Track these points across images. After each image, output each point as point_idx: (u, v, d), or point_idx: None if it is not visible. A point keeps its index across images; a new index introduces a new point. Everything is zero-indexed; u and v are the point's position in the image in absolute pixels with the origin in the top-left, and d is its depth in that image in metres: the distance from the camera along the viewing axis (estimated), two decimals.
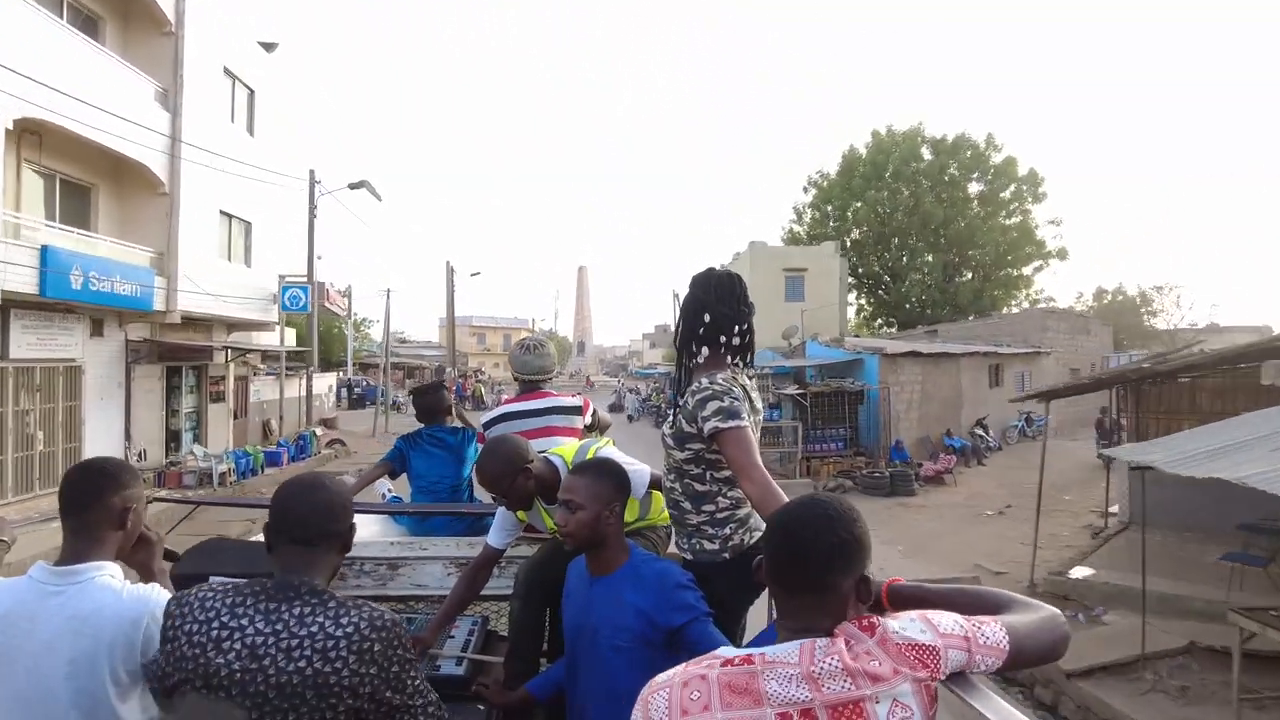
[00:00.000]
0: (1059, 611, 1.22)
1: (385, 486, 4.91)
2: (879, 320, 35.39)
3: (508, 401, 3.37)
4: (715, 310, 2.10)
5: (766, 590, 1.26)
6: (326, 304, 29.72)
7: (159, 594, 1.53)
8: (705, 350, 2.11)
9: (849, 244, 32.76)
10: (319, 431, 19.86)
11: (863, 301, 35.85)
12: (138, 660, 1.46)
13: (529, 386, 3.34)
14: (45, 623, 1.42)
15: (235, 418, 18.54)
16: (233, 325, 18.10)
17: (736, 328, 2.11)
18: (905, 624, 1.12)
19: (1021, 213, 32.49)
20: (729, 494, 2.07)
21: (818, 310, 28.82)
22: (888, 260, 33.02)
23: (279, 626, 1.35)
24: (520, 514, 2.47)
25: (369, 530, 3.55)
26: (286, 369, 22.21)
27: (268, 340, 20.51)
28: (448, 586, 2.78)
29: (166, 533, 1.85)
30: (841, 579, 1.15)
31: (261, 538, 1.51)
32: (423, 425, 4.20)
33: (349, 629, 1.35)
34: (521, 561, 2.65)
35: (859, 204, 33.11)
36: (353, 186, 20.78)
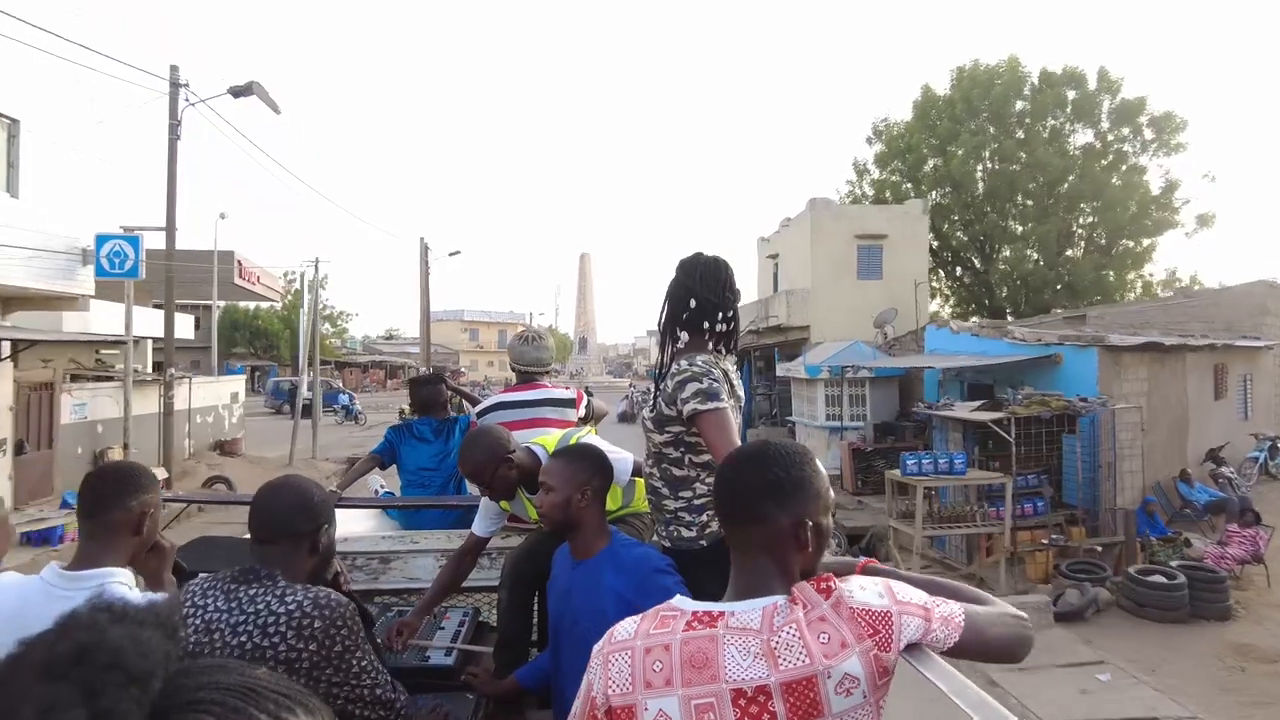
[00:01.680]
0: (1025, 616, 1.23)
1: (378, 482, 4.67)
2: (963, 308, 28.07)
3: (502, 392, 3.38)
4: (700, 296, 2.11)
5: None
6: (242, 281, 22.40)
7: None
8: (688, 335, 2.12)
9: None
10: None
11: (936, 284, 28.49)
12: None
13: (525, 378, 3.36)
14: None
15: (19, 453, 11.30)
16: (9, 298, 10.91)
17: (720, 314, 2.12)
18: (864, 585, 1.13)
19: (1150, 168, 25.16)
20: (707, 480, 2.06)
21: (901, 289, 21.56)
22: (978, 229, 25.68)
23: (233, 604, 1.45)
24: (503, 503, 2.50)
25: (361, 525, 3.51)
26: (174, 372, 14.95)
27: (102, 325, 13.31)
28: None
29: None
30: (775, 513, 1.15)
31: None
32: (414, 417, 4.15)
33: (291, 606, 1.43)
34: (509, 552, 2.66)
35: (940, 159, 25.76)
36: (235, 92, 13.45)
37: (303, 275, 21.26)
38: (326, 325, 61.11)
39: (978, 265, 26.91)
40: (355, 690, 1.49)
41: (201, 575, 1.59)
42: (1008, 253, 26.08)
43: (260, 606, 1.44)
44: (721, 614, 1.10)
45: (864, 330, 21.20)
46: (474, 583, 2.73)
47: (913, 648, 1.09)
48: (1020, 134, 25.19)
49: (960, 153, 24.96)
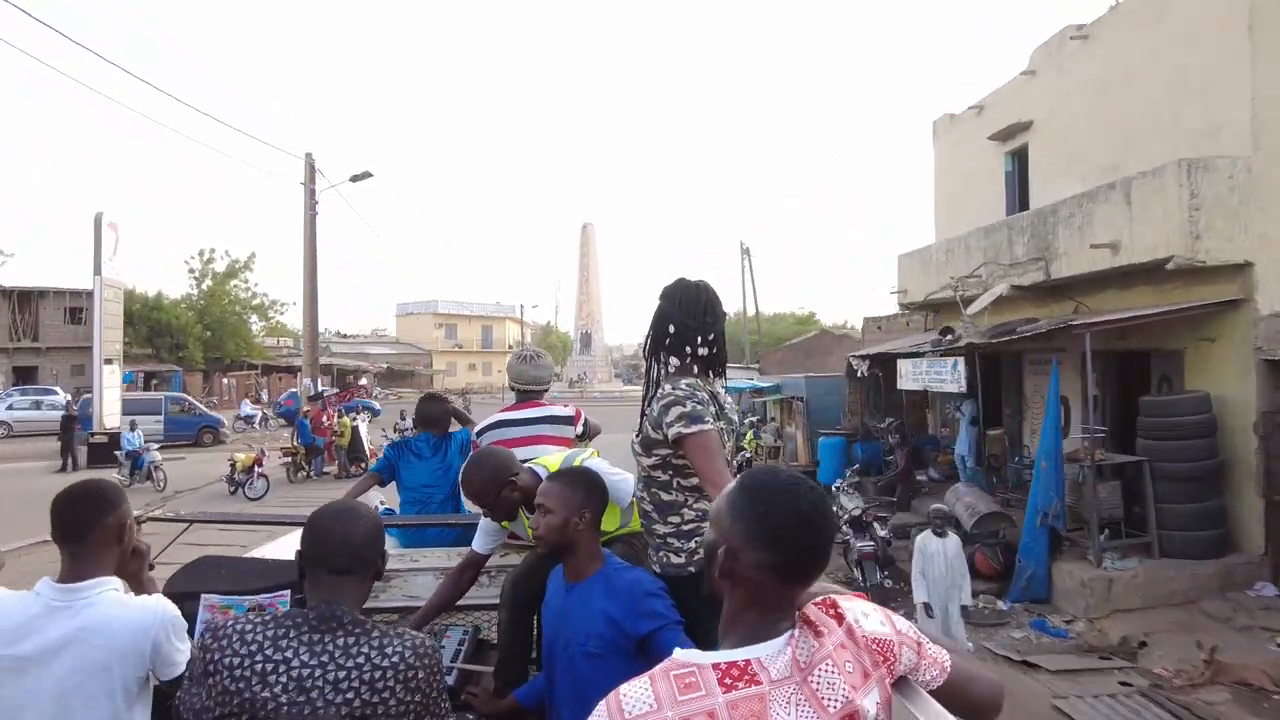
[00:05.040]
0: (1004, 685, 1.23)
1: (378, 498, 4.58)
2: None
3: (502, 410, 3.36)
4: (679, 322, 2.15)
5: None
6: None
7: (163, 604, 1.64)
8: (673, 360, 2.16)
9: None
10: None
11: None
12: (146, 668, 1.58)
13: (524, 396, 3.36)
14: (56, 636, 1.51)
15: None
16: None
17: (700, 338, 2.15)
18: (868, 612, 1.12)
19: None
20: (695, 505, 2.08)
21: None
22: None
23: (324, 658, 1.37)
24: (503, 522, 2.53)
25: None
26: None
27: None
28: None
29: (159, 554, 2.00)
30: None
31: (253, 553, 1.75)
32: (416, 433, 4.15)
33: (395, 659, 1.40)
34: (509, 572, 2.69)
35: None
36: None
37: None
38: (254, 317, 47.52)
39: None
40: None
41: (245, 615, 1.56)
42: None
43: (361, 660, 1.38)
44: (749, 663, 1.02)
45: None
46: (474, 600, 2.75)
47: (901, 683, 1.09)
48: None
49: None
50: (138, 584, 1.74)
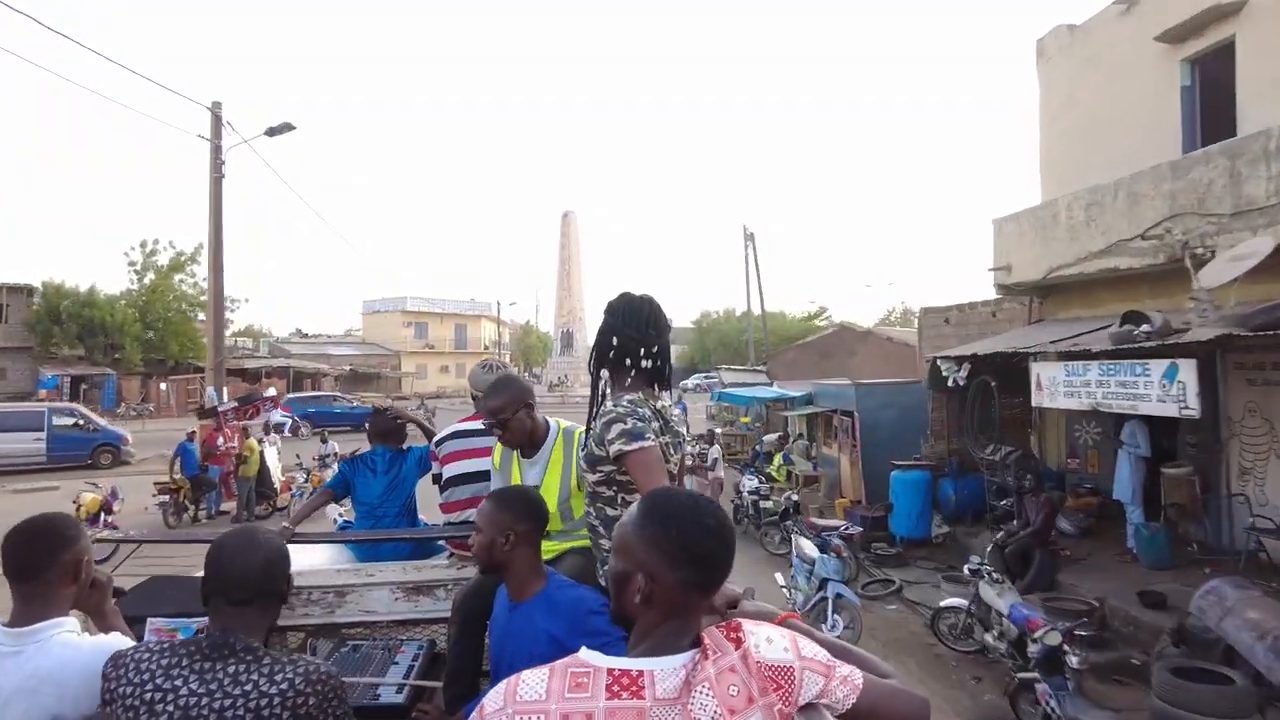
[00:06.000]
0: (927, 702, 1.21)
1: (336, 511, 4.61)
2: None
3: (462, 420, 3.37)
4: (622, 334, 2.16)
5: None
6: None
7: (117, 644, 1.54)
8: (616, 374, 2.16)
9: None
10: None
11: None
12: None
13: None
14: (5, 682, 1.43)
15: None
16: None
17: (644, 350, 2.15)
18: (772, 638, 1.12)
19: None
20: None
21: None
22: None
23: (213, 686, 1.35)
24: (496, 461, 2.70)
25: (317, 558, 3.49)
26: None
27: None
28: (396, 611, 2.87)
29: (112, 573, 1.91)
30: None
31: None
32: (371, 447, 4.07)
33: (283, 685, 1.36)
34: (458, 588, 2.69)
35: None
36: None
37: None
38: (202, 315, 43.06)
39: None
40: None
41: (148, 641, 1.51)
42: None
43: (249, 688, 1.34)
44: (641, 674, 1.04)
45: None
46: (430, 614, 2.79)
47: (807, 709, 1.09)
48: None
49: None
50: (100, 617, 1.68)
